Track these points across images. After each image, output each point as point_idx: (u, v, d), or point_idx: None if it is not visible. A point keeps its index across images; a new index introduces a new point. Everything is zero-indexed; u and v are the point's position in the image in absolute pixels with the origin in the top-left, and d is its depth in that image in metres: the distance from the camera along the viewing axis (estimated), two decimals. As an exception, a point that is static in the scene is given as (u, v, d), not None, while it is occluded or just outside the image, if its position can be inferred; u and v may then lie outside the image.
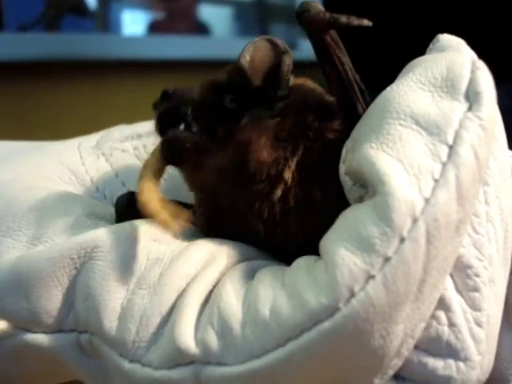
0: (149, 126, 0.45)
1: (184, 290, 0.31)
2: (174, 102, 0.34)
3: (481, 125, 0.28)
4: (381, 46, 0.87)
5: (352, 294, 0.26)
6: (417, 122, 0.28)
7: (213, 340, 0.29)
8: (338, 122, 0.34)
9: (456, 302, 0.29)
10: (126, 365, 0.31)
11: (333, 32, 0.33)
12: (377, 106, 0.31)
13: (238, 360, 0.28)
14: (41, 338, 0.34)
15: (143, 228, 0.34)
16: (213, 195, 0.36)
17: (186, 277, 0.32)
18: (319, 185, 0.33)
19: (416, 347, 0.29)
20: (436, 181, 0.27)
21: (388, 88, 0.31)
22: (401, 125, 0.29)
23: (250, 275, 0.32)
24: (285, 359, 0.27)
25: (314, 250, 0.31)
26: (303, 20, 0.32)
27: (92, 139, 0.47)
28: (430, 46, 0.34)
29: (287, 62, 0.33)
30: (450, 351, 0.29)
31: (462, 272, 0.29)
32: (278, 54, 0.33)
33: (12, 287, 0.34)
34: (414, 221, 0.26)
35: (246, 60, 0.33)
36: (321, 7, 0.33)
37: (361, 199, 0.30)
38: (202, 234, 0.36)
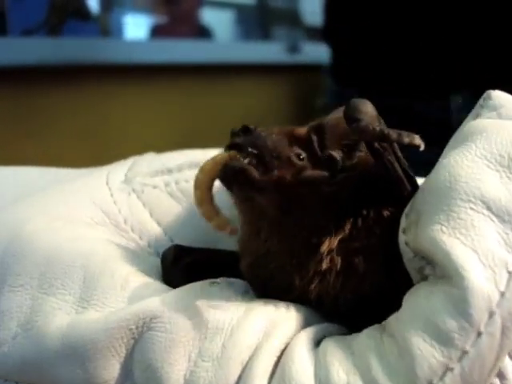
0: (178, 158, 0.45)
1: (248, 363, 0.31)
2: (248, 139, 0.33)
3: None
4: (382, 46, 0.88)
5: None
6: (488, 208, 0.29)
7: None
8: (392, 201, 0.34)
9: (510, 368, 0.30)
10: None
11: None
12: (441, 182, 0.31)
13: None
14: None
15: (199, 295, 0.34)
16: (256, 231, 0.36)
17: (249, 348, 0.32)
18: (364, 256, 0.33)
19: None
20: (510, 273, 0.27)
21: (451, 160, 0.31)
22: (472, 209, 0.29)
23: (314, 344, 0.32)
24: None
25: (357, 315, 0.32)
26: (353, 130, 0.32)
27: (119, 172, 0.45)
28: (481, 101, 0.34)
29: (368, 126, 0.32)
30: None
31: None
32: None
33: (66, 356, 0.34)
34: (491, 315, 0.27)
35: (330, 123, 0.33)
36: (371, 110, 0.32)
37: (421, 270, 0.30)
38: (252, 291, 0.36)
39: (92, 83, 1.43)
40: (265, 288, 0.36)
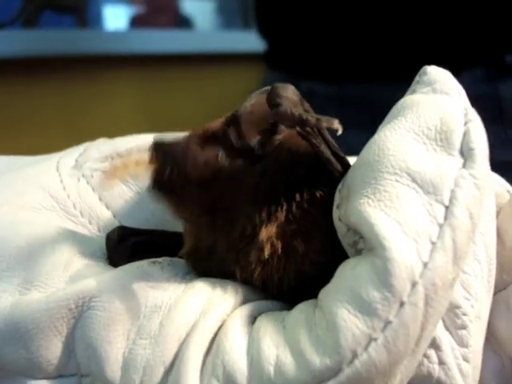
0: (128, 142, 0.45)
1: (185, 340, 0.32)
2: (163, 157, 0.33)
3: (475, 184, 0.28)
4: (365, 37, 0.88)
5: (355, 356, 0.27)
6: (413, 180, 0.29)
7: None
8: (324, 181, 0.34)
9: (445, 340, 0.31)
10: None
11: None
12: (370, 155, 0.31)
13: None
14: None
15: (138, 274, 0.34)
16: (190, 227, 0.36)
17: (186, 326, 0.32)
18: (302, 237, 0.33)
19: (409, 383, 0.30)
20: (433, 244, 0.27)
21: (381, 134, 0.31)
22: (397, 181, 0.29)
23: (250, 321, 0.32)
24: None
25: (298, 292, 0.33)
26: (273, 115, 0.32)
27: (70, 158, 0.45)
28: (417, 77, 0.34)
29: (287, 110, 0.32)
30: None
31: (450, 312, 0.31)
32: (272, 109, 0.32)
33: (9, 337, 0.34)
34: (413, 285, 0.27)
35: (246, 111, 0.33)
36: (293, 95, 0.32)
37: (355, 244, 0.30)
38: (193, 271, 0.36)
39: (72, 75, 1.42)
40: (205, 275, 0.36)
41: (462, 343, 0.31)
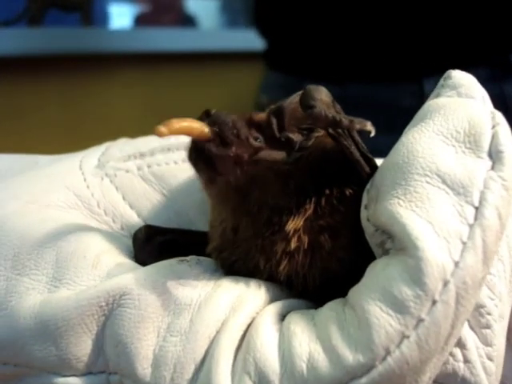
0: (150, 142, 0.45)
1: (215, 337, 0.32)
2: (210, 120, 0.34)
3: (503, 185, 0.29)
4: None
5: (388, 353, 0.28)
6: (443, 181, 0.29)
7: None
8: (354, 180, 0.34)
9: (470, 339, 0.31)
10: None
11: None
12: (399, 157, 0.31)
13: None
14: (70, 381, 0.34)
15: (168, 272, 0.35)
16: (220, 215, 0.36)
17: (216, 323, 0.32)
18: (330, 234, 0.34)
19: (434, 381, 0.31)
20: (464, 243, 0.28)
21: (409, 136, 0.32)
22: (428, 183, 0.30)
23: (280, 318, 0.33)
24: None
25: (323, 291, 0.33)
26: (307, 116, 0.32)
27: (93, 157, 0.46)
28: (441, 81, 0.35)
29: (321, 112, 0.33)
30: None
31: (475, 311, 0.31)
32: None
33: (39, 335, 0.34)
34: (445, 284, 0.28)
35: (289, 107, 0.34)
36: (326, 97, 0.33)
37: (382, 244, 0.31)
38: (221, 269, 0.37)
39: (76, 73, 1.42)
40: (232, 271, 0.36)
41: (486, 342, 0.32)
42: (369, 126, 0.32)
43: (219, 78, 1.70)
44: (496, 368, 0.32)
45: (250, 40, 1.19)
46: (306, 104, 0.33)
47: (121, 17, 1.82)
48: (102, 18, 1.68)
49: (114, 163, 0.44)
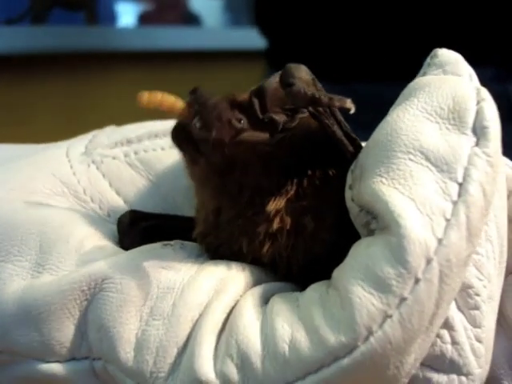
0: (138, 129, 0.45)
1: (198, 320, 0.32)
2: (193, 98, 0.34)
3: (488, 161, 0.28)
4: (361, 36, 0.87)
5: (370, 333, 0.27)
6: (426, 158, 0.29)
7: (233, 372, 0.29)
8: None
9: (458, 320, 0.31)
10: None
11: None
12: (383, 136, 0.31)
13: None
14: (54, 367, 0.34)
15: (151, 256, 0.34)
16: (203, 199, 0.36)
17: (199, 306, 0.32)
18: (312, 216, 0.33)
19: (421, 364, 0.30)
20: (447, 220, 0.27)
21: (393, 115, 0.31)
22: (411, 160, 0.29)
23: (263, 301, 0.32)
24: None
25: (308, 273, 0.33)
26: (286, 94, 0.32)
27: (80, 145, 0.45)
28: (428, 60, 0.34)
29: (300, 90, 0.32)
30: (453, 367, 0.30)
31: (463, 292, 0.31)
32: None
33: (22, 320, 0.34)
34: (428, 262, 0.27)
35: (271, 87, 0.33)
36: (306, 75, 0.33)
37: (367, 225, 0.30)
38: (206, 253, 0.36)
39: (80, 71, 1.43)
40: (217, 255, 0.36)
41: (474, 323, 0.31)
42: (348, 104, 0.31)
43: (223, 76, 1.69)
44: (485, 350, 0.31)
45: (253, 38, 1.18)
46: (286, 82, 0.32)
47: (125, 15, 1.83)
48: (107, 17, 1.68)
49: (101, 150, 0.44)
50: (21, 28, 1.38)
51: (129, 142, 0.44)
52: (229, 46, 1.70)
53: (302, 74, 0.33)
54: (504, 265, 0.33)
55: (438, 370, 0.31)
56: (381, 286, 0.27)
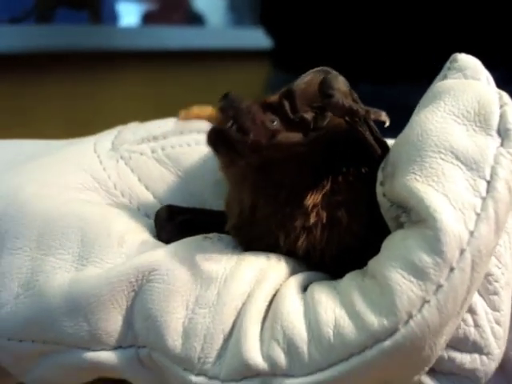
0: (162, 126, 0.46)
1: (241, 309, 0.34)
2: (226, 103, 0.35)
3: None
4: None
5: (410, 317, 0.30)
6: (457, 157, 0.31)
7: (280, 356, 0.32)
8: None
9: (480, 305, 0.33)
10: (193, 378, 0.33)
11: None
12: (414, 136, 0.33)
13: (304, 373, 0.31)
14: (101, 355, 0.36)
15: (193, 249, 0.36)
16: (239, 194, 0.37)
17: (242, 295, 0.34)
18: (347, 209, 0.36)
19: (446, 345, 0.33)
20: (478, 215, 0.30)
21: (421, 116, 0.34)
22: (442, 159, 0.32)
23: (302, 290, 0.35)
24: (347, 372, 0.30)
25: (340, 265, 0.35)
26: (325, 104, 0.34)
27: (106, 140, 0.46)
28: (448, 64, 0.37)
29: (339, 102, 0.34)
30: (476, 348, 0.33)
31: (484, 279, 0.33)
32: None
33: (70, 311, 0.35)
34: (462, 252, 0.30)
35: (300, 87, 0.35)
36: (343, 86, 0.35)
37: (397, 218, 0.33)
38: (240, 245, 0.38)
39: (84, 70, 1.43)
40: (250, 248, 0.38)
41: (494, 308, 0.34)
42: (383, 117, 0.34)
43: (226, 75, 1.70)
44: (503, 332, 0.34)
45: (257, 38, 1.20)
46: (325, 93, 0.34)
47: (129, 15, 1.81)
48: (111, 16, 1.67)
49: (128, 146, 0.45)
50: (26, 27, 1.37)
51: (155, 138, 0.46)
52: (232, 46, 1.70)
53: (340, 85, 0.35)
54: None
55: (461, 351, 0.33)
56: (419, 274, 0.30)
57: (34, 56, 1.34)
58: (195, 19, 1.92)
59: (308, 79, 0.35)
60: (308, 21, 0.91)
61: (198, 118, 0.35)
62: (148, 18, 1.83)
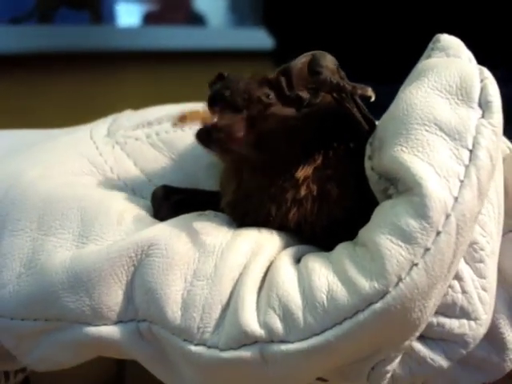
0: (157, 112, 0.48)
1: (238, 279, 0.35)
2: (223, 84, 0.37)
3: (493, 130, 0.33)
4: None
5: (400, 279, 0.31)
6: (441, 129, 0.33)
7: (276, 323, 0.33)
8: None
9: (466, 272, 0.35)
10: (193, 348, 0.34)
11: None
12: (399, 111, 0.34)
13: (299, 338, 0.32)
14: (102, 330, 0.37)
15: (190, 224, 0.37)
16: (235, 172, 0.39)
17: (239, 267, 0.35)
18: (336, 183, 0.37)
19: (435, 312, 0.34)
20: (461, 181, 0.32)
21: (406, 92, 0.35)
22: (427, 131, 0.33)
23: (295, 261, 0.36)
24: (341, 335, 0.32)
25: (330, 237, 0.36)
26: (313, 81, 0.36)
27: (101, 128, 0.47)
28: (431, 44, 0.38)
29: (327, 78, 0.36)
30: (464, 313, 0.35)
31: (469, 247, 0.35)
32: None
33: (72, 287, 0.36)
34: (447, 217, 0.31)
35: (297, 67, 0.37)
36: (331, 64, 0.36)
37: (385, 190, 0.34)
38: (233, 221, 0.39)
39: (85, 70, 1.43)
40: (245, 223, 0.39)
41: (480, 275, 0.35)
42: (369, 92, 0.36)
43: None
44: (489, 298, 0.35)
45: (258, 39, 1.21)
46: (313, 70, 0.36)
47: (129, 15, 1.82)
48: (111, 16, 1.66)
49: (124, 132, 0.47)
50: (27, 27, 1.37)
51: (149, 123, 0.47)
52: (233, 46, 1.70)
53: (328, 62, 0.37)
54: (502, 225, 0.37)
55: (450, 317, 0.35)
56: (407, 238, 0.31)
57: (35, 56, 1.35)
58: (196, 20, 1.91)
59: (304, 60, 0.37)
60: (310, 21, 0.92)
61: (203, 120, 0.36)
62: (149, 19, 1.83)
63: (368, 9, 0.87)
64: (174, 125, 0.41)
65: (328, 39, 0.91)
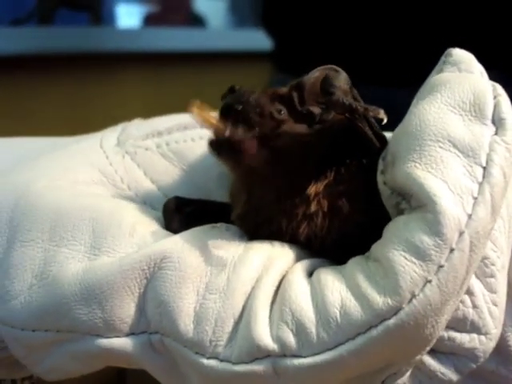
0: (167, 122, 0.48)
1: (251, 293, 0.35)
2: (234, 97, 0.37)
3: (507, 148, 0.33)
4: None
5: (413, 296, 0.31)
6: (454, 145, 0.33)
7: (289, 337, 0.33)
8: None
9: (477, 287, 0.35)
10: (205, 361, 0.34)
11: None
12: (412, 126, 0.35)
13: (312, 352, 0.32)
14: (114, 342, 0.37)
15: (202, 237, 0.37)
16: (245, 185, 0.39)
17: (251, 281, 0.35)
18: (348, 198, 0.37)
19: (446, 326, 0.34)
20: (475, 198, 0.32)
21: (419, 107, 0.35)
22: (440, 147, 0.33)
23: (308, 274, 0.36)
24: (353, 350, 0.32)
25: (341, 251, 0.37)
26: (326, 102, 0.36)
27: (111, 137, 0.47)
28: (443, 58, 0.39)
29: (339, 100, 0.36)
30: (474, 328, 0.35)
31: (481, 262, 0.35)
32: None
33: (85, 299, 0.36)
34: (461, 234, 0.31)
35: (309, 82, 0.37)
36: (344, 84, 0.37)
37: (398, 205, 0.34)
38: (245, 233, 0.39)
39: (85, 72, 1.43)
40: (255, 236, 0.39)
41: (491, 289, 0.35)
42: (381, 114, 0.36)
43: (227, 77, 1.70)
44: (499, 312, 0.36)
45: (258, 40, 1.20)
46: (326, 91, 0.36)
47: (129, 16, 1.82)
48: (111, 18, 1.67)
49: (133, 141, 0.46)
50: (27, 29, 1.38)
51: (159, 133, 0.47)
52: (233, 48, 1.70)
53: (341, 82, 0.37)
54: (511, 239, 0.37)
55: (461, 331, 0.35)
56: (421, 255, 0.31)
57: (35, 57, 1.35)
58: (196, 21, 1.92)
59: (317, 75, 0.37)
60: (309, 22, 0.92)
61: (205, 122, 0.36)
62: (149, 20, 1.83)
63: (367, 11, 0.87)
64: (191, 107, 0.41)
65: (327, 41, 0.92)
